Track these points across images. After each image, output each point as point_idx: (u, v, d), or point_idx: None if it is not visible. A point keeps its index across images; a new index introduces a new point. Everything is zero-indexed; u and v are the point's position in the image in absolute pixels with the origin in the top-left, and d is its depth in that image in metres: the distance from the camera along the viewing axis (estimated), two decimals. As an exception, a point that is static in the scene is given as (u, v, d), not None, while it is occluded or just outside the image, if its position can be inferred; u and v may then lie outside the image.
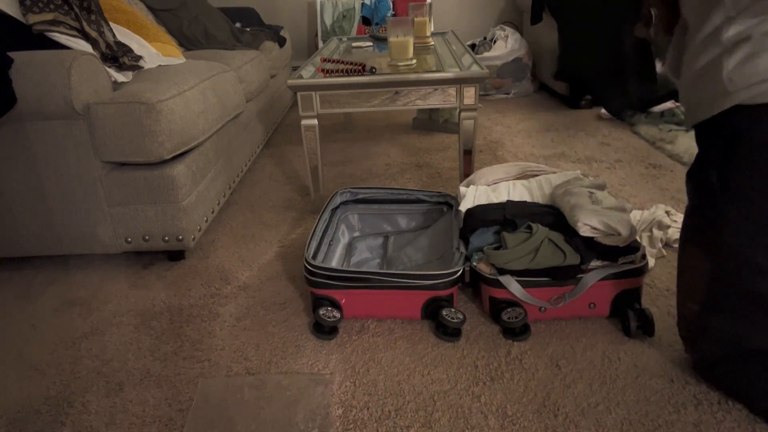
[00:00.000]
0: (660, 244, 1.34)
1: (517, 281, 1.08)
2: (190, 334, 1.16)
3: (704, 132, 0.86)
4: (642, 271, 1.09)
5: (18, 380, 1.06)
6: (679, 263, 0.93)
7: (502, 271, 1.09)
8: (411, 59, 1.62)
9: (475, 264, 1.14)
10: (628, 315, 1.07)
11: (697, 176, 0.87)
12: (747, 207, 0.79)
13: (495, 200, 1.26)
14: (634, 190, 1.73)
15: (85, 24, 1.39)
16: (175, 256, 1.47)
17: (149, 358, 1.09)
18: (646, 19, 1.07)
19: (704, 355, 0.92)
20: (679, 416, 0.88)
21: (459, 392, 0.96)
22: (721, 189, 0.81)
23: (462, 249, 1.18)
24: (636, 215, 1.44)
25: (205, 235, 1.61)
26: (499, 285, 1.08)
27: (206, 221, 1.52)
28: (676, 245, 1.14)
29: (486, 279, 1.11)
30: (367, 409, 0.93)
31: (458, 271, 1.11)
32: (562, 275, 1.07)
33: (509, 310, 1.09)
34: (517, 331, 1.09)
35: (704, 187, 0.84)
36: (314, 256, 1.21)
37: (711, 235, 0.85)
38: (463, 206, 1.26)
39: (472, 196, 1.28)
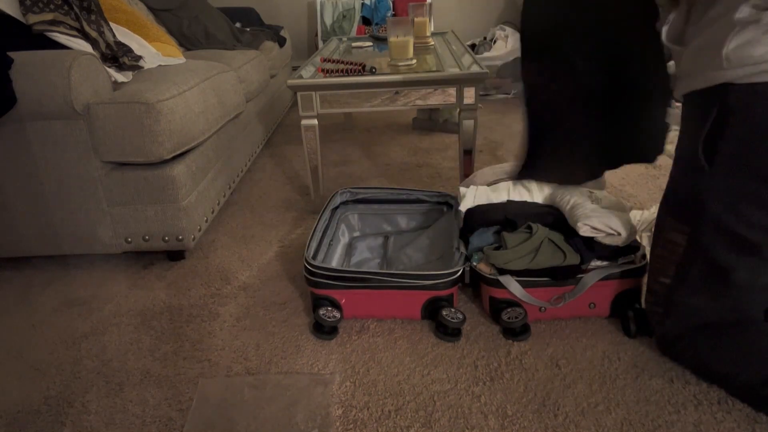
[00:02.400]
0: (660, 244, 1.33)
1: (517, 281, 1.08)
2: (190, 334, 1.16)
3: (693, 108, 0.89)
4: (642, 271, 1.09)
5: (18, 380, 1.06)
6: (655, 238, 0.97)
7: (502, 271, 1.09)
8: (411, 59, 1.62)
9: (475, 264, 1.14)
10: (628, 315, 1.07)
11: (683, 151, 0.91)
12: (733, 180, 0.83)
13: (495, 200, 1.26)
14: (634, 190, 1.73)
15: (85, 24, 1.39)
16: (175, 256, 1.47)
17: (149, 358, 1.09)
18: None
19: (667, 331, 0.97)
20: (679, 416, 0.88)
21: (459, 392, 0.96)
22: (708, 163, 0.84)
23: (462, 249, 1.18)
24: (636, 215, 1.43)
25: (205, 235, 1.61)
26: (499, 285, 1.08)
27: (206, 221, 1.52)
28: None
29: (486, 279, 1.11)
30: (367, 409, 0.93)
31: (458, 271, 1.11)
32: (562, 275, 1.07)
33: (509, 310, 1.09)
34: (517, 331, 1.09)
35: (690, 162, 0.88)
36: (314, 256, 1.21)
37: (692, 209, 0.89)
38: (463, 206, 1.26)
39: (472, 196, 1.28)
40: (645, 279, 1.12)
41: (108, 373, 1.06)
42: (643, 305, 1.10)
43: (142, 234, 1.39)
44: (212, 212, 1.57)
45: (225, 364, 1.07)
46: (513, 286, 1.07)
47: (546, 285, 1.08)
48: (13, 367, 1.10)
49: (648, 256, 1.11)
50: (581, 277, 1.07)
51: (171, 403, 0.97)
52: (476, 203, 1.27)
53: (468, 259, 1.16)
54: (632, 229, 1.06)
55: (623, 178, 1.84)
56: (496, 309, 1.11)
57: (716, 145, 0.84)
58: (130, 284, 1.37)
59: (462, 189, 1.32)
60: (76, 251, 1.41)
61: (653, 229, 1.00)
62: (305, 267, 1.13)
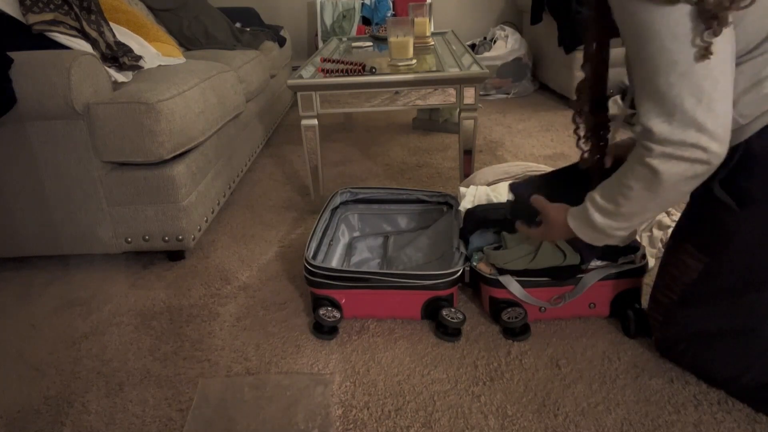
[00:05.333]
0: (660, 244, 1.33)
1: (517, 281, 1.08)
2: (190, 334, 1.16)
3: None
4: (642, 271, 1.09)
5: (18, 380, 1.06)
6: (666, 256, 0.97)
7: (502, 271, 1.09)
8: (411, 59, 1.62)
9: (475, 264, 1.14)
10: (628, 315, 1.07)
11: (705, 187, 0.87)
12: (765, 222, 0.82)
13: (495, 200, 1.26)
14: (634, 190, 1.73)
15: (85, 24, 1.39)
16: (175, 256, 1.47)
17: (149, 358, 1.09)
18: None
19: (667, 336, 0.98)
20: (679, 416, 0.88)
21: (459, 392, 0.96)
22: (739, 203, 0.83)
23: (462, 249, 1.18)
24: (636, 215, 1.43)
25: (205, 235, 1.61)
26: (499, 285, 1.08)
27: (206, 221, 1.52)
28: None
29: (486, 279, 1.11)
30: (367, 409, 0.93)
31: (458, 271, 1.11)
32: (562, 275, 1.07)
33: (509, 310, 1.09)
34: (517, 331, 1.09)
35: (715, 198, 0.85)
36: (314, 256, 1.21)
37: (715, 242, 0.87)
38: (463, 206, 1.26)
39: (472, 196, 1.28)
40: (645, 279, 1.12)
41: (108, 373, 1.06)
42: (643, 305, 1.10)
43: (142, 234, 1.39)
44: (212, 212, 1.57)
45: (225, 364, 1.07)
46: (513, 286, 1.07)
47: (546, 285, 1.08)
48: (13, 367, 1.10)
49: (647, 256, 1.11)
50: (581, 277, 1.07)
51: (171, 403, 0.97)
52: (476, 203, 1.26)
53: (468, 259, 1.16)
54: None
55: (623, 178, 1.83)
56: (496, 309, 1.11)
57: (745, 185, 0.82)
58: (130, 284, 1.37)
59: (462, 189, 1.32)
60: (76, 251, 1.41)
61: (667, 245, 0.98)
62: (305, 267, 1.13)
